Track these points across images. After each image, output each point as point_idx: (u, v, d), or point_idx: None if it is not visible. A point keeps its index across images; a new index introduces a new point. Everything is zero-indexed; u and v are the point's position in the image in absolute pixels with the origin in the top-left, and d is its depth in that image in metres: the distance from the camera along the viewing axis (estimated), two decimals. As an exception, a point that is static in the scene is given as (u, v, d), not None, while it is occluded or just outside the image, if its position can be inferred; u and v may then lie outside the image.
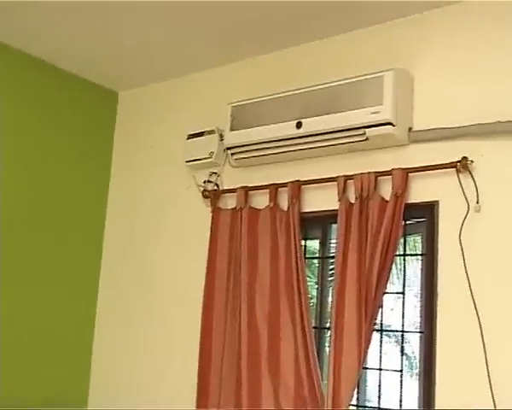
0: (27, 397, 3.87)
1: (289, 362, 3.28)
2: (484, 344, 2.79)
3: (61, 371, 4.13)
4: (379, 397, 3.17)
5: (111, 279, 4.37)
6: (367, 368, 3.26)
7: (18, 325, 3.93)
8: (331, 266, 3.44)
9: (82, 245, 4.32)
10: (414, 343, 3.28)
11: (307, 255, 3.57)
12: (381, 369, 3.19)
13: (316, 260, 3.60)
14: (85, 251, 4.34)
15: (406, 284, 3.22)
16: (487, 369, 2.76)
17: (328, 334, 3.28)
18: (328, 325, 3.37)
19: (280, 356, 3.33)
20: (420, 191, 3.11)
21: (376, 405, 3.19)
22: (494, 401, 2.72)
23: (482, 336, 2.81)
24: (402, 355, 3.23)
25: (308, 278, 3.45)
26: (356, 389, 3.15)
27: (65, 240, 4.22)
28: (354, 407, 3.24)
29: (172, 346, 3.94)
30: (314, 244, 3.62)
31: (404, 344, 3.28)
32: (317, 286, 3.54)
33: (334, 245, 3.35)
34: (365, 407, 3.31)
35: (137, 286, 4.20)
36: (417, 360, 3.14)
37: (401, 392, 3.11)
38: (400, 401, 3.10)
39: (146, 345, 4.08)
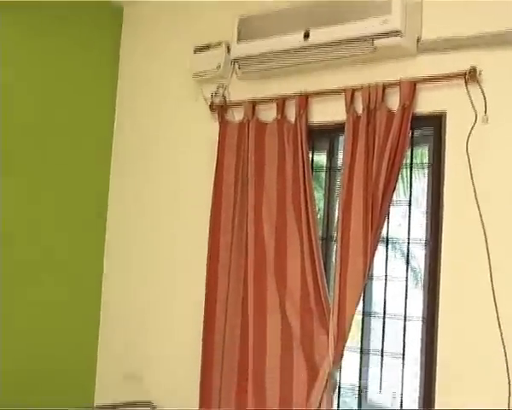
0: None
1: (296, 274, 3.32)
2: (489, 255, 2.81)
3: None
4: (384, 305, 3.23)
5: (118, 204, 4.43)
6: (372, 278, 3.31)
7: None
8: (338, 179, 3.45)
9: (88, 167, 4.33)
10: (420, 258, 3.30)
11: (315, 168, 3.57)
12: (386, 278, 3.23)
13: (323, 173, 3.61)
14: (92, 174, 4.37)
15: (413, 198, 3.22)
16: (491, 278, 2.79)
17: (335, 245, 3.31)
18: (335, 235, 3.40)
19: (286, 268, 3.36)
20: (427, 102, 3.08)
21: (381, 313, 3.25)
22: (497, 309, 2.76)
23: (487, 247, 2.82)
24: (407, 265, 3.26)
25: (315, 191, 3.47)
26: (362, 298, 3.19)
27: (71, 162, 4.22)
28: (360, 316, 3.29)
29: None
30: (322, 158, 3.62)
31: (410, 258, 3.31)
32: (324, 199, 3.55)
33: (342, 157, 3.35)
34: (370, 314, 3.36)
35: (143, 202, 4.26)
36: (422, 273, 3.18)
37: (406, 301, 3.16)
38: (405, 309, 3.16)
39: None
